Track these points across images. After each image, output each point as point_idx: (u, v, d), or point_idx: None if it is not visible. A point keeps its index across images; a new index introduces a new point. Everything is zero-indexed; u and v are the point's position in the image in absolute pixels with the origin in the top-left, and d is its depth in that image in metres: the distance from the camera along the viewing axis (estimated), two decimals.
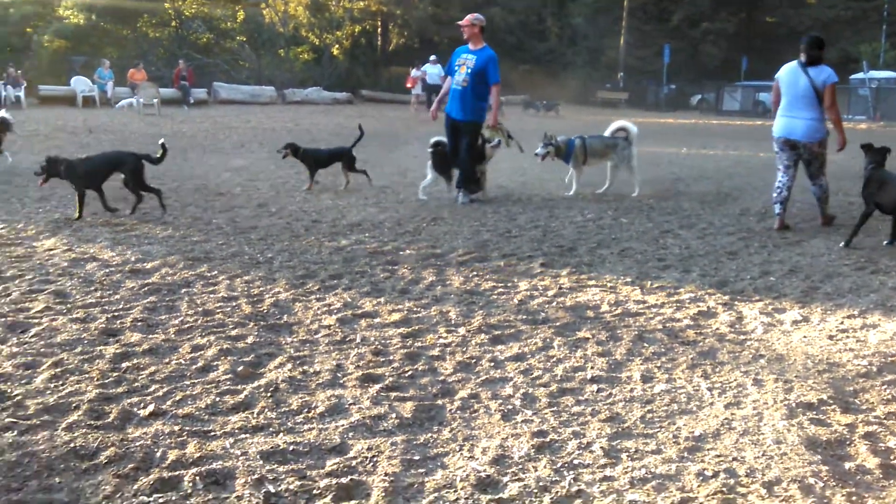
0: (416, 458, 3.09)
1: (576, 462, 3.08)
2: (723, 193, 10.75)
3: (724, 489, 2.88)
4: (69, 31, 32.94)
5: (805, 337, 4.67)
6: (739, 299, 5.45)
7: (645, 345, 4.47)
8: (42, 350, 4.14)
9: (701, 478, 2.97)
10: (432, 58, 29.99)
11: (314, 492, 2.81)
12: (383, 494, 2.80)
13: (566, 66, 44.14)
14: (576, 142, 9.98)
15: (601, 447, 3.19)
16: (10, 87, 23.24)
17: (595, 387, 3.85)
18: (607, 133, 10.28)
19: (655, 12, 45.02)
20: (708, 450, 3.20)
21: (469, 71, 9.01)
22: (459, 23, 9.30)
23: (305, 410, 3.51)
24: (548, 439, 3.26)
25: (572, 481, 2.92)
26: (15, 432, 3.20)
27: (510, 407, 3.59)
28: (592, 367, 4.10)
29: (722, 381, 3.95)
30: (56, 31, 32.61)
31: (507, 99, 29.32)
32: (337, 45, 38.82)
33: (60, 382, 3.72)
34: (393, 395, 3.71)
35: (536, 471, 3.00)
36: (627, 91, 41.02)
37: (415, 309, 5.06)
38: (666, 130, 24.62)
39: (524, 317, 4.95)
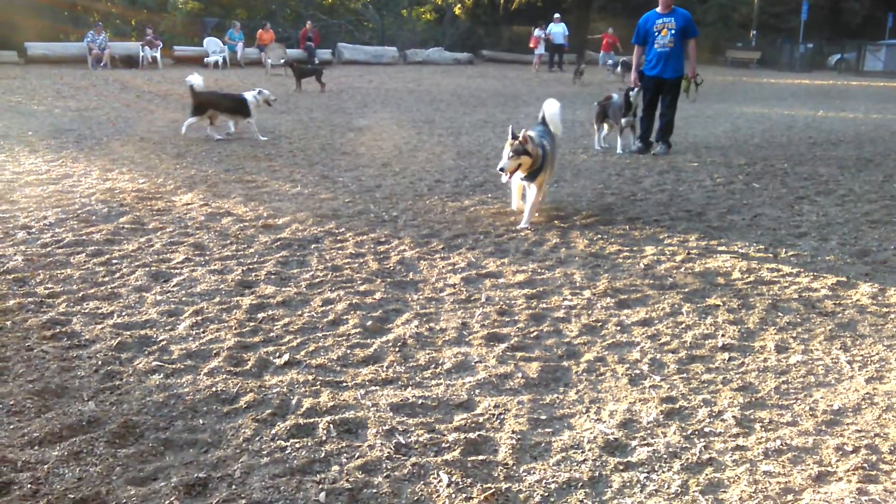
0: (543, 417, 3.10)
1: (706, 430, 3.01)
2: (864, 159, 10.16)
3: (865, 465, 2.76)
4: None
5: None
6: (882, 270, 5.17)
7: (779, 314, 4.31)
8: (184, 299, 4.36)
9: (840, 452, 2.85)
10: (556, 16, 29.48)
11: (443, 445, 2.86)
12: (511, 451, 2.82)
13: (696, 23, 42.35)
14: None
15: (733, 416, 3.11)
16: (147, 48, 24.32)
17: (726, 355, 3.75)
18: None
19: None
20: (848, 424, 3.07)
21: (672, 32, 9.99)
22: None
23: (433, 366, 3.56)
24: (677, 406, 3.21)
25: (703, 449, 2.87)
26: (161, 375, 3.40)
27: (637, 372, 3.55)
28: (723, 335, 3.98)
29: (863, 355, 3.77)
30: None
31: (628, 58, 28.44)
32: (459, 5, 38.67)
33: (201, 330, 3.92)
34: (518, 354, 3.72)
35: (665, 436, 2.96)
36: (760, 50, 39.08)
37: (539, 270, 5.04)
38: (801, 92, 23.42)
39: (651, 281, 4.86)
